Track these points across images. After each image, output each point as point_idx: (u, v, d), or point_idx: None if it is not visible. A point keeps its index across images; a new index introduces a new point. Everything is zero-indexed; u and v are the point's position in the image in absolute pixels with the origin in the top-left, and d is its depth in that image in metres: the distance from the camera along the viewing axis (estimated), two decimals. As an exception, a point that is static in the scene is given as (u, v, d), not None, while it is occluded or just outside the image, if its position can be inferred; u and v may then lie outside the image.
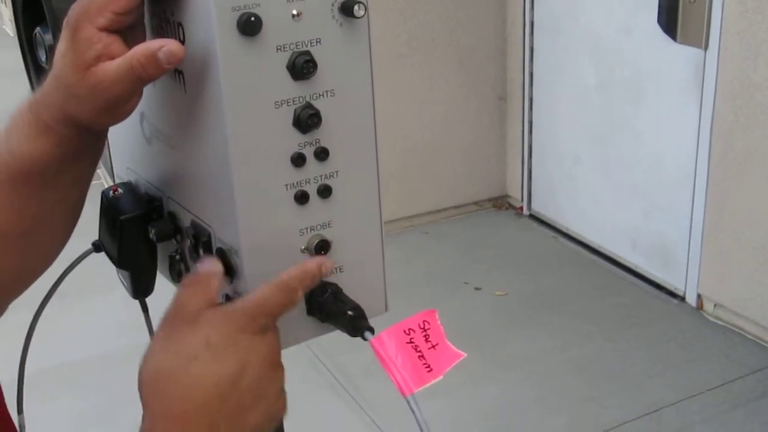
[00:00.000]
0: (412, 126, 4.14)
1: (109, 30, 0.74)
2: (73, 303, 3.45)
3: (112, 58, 0.74)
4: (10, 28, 7.06)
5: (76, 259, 1.01)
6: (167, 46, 0.73)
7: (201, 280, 0.76)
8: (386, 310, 0.88)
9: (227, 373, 0.71)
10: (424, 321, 0.80)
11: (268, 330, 0.75)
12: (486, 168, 4.39)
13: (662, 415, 2.82)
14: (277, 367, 0.76)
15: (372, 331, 0.80)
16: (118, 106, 0.77)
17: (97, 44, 0.74)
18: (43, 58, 1.17)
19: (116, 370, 2.96)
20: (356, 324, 0.80)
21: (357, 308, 0.81)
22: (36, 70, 1.19)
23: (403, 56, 4.03)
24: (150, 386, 0.72)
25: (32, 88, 1.12)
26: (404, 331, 0.79)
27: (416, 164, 4.20)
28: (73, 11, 0.74)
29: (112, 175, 1.04)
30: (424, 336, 0.80)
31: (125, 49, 0.75)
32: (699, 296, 3.41)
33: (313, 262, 0.76)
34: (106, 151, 1.03)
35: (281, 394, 0.76)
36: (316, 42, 0.76)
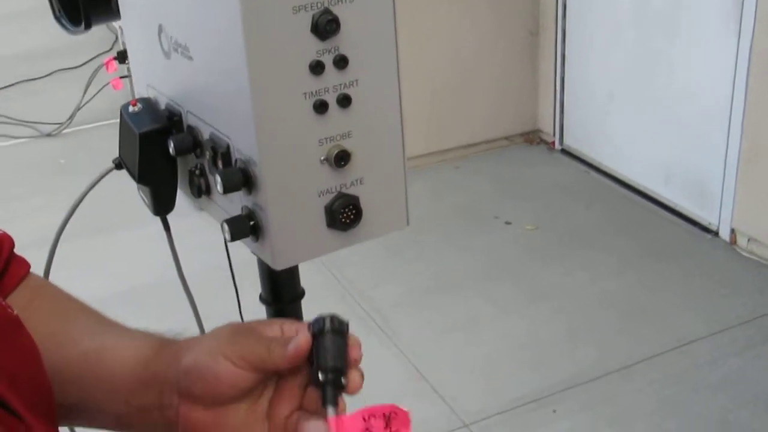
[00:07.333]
0: (443, 62, 4.09)
1: None
2: (111, 235, 3.51)
3: None
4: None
5: (97, 178, 1.01)
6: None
7: None
8: (407, 224, 0.87)
9: None
10: (392, 412, 0.72)
11: None
12: (517, 103, 4.34)
13: (693, 348, 2.80)
14: None
15: (335, 406, 0.69)
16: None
17: None
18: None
19: (159, 297, 2.99)
20: (326, 390, 0.69)
21: (337, 371, 0.69)
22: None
23: (433, -8, 3.96)
24: None
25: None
26: (363, 418, 0.69)
27: (447, 100, 4.16)
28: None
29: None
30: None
31: None
32: (732, 231, 3.37)
33: None
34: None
35: None
36: (334, -56, 0.74)
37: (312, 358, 0.69)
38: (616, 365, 2.74)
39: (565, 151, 4.26)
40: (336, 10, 0.75)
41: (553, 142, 4.31)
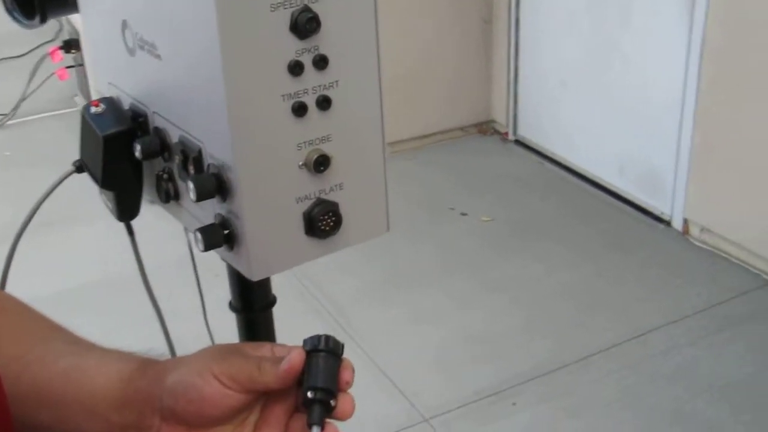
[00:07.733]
0: (396, 51, 4.05)
1: None
2: (62, 231, 3.41)
3: None
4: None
5: (56, 182, 0.96)
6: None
7: None
8: (387, 230, 0.84)
9: None
10: None
11: None
12: (471, 93, 4.32)
13: (649, 338, 2.82)
14: None
15: (321, 427, 0.67)
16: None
17: None
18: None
19: (112, 295, 2.92)
20: (312, 409, 0.68)
21: (326, 392, 0.68)
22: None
23: (387, -22, 3.92)
24: None
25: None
26: None
27: (401, 90, 4.12)
28: None
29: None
30: None
31: None
32: (685, 221, 3.40)
33: None
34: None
35: None
36: (314, -61, 0.70)
37: (302, 379, 0.67)
38: (573, 357, 2.74)
39: (519, 142, 4.26)
40: (316, 8, 0.71)
41: (507, 133, 4.31)
